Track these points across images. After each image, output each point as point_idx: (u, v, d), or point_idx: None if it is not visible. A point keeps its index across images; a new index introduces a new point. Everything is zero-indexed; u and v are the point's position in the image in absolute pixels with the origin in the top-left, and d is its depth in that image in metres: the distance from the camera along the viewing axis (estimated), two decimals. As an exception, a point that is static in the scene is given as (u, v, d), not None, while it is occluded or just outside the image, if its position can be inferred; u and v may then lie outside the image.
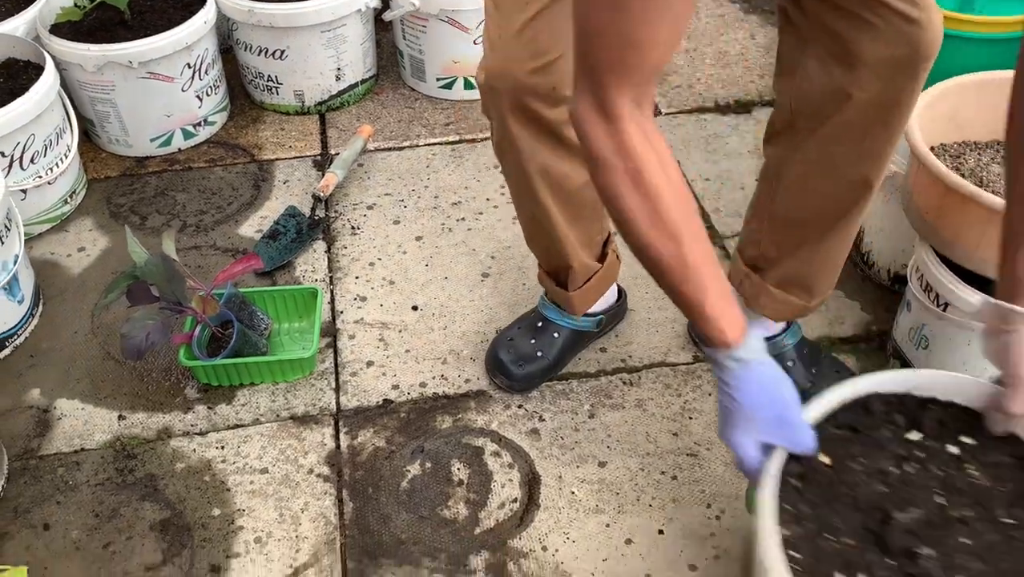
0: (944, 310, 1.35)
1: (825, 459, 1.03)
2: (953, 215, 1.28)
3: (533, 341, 1.55)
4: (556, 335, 1.56)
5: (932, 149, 1.31)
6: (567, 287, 1.49)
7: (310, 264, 1.82)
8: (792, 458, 1.01)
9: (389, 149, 2.11)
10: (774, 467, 0.99)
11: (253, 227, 1.91)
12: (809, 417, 1.04)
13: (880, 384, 1.09)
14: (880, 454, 1.04)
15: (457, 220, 1.91)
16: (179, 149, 2.12)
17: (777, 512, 0.96)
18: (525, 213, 1.41)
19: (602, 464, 1.44)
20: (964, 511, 0.97)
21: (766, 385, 1.00)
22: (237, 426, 1.51)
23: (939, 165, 1.27)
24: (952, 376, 1.10)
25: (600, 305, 1.57)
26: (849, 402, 1.08)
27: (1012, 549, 0.94)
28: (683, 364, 1.59)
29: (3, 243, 1.57)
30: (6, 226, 1.59)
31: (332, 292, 1.76)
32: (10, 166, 1.78)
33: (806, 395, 1.41)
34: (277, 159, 2.11)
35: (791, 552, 0.93)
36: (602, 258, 1.50)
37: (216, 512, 1.38)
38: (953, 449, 1.04)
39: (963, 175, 1.38)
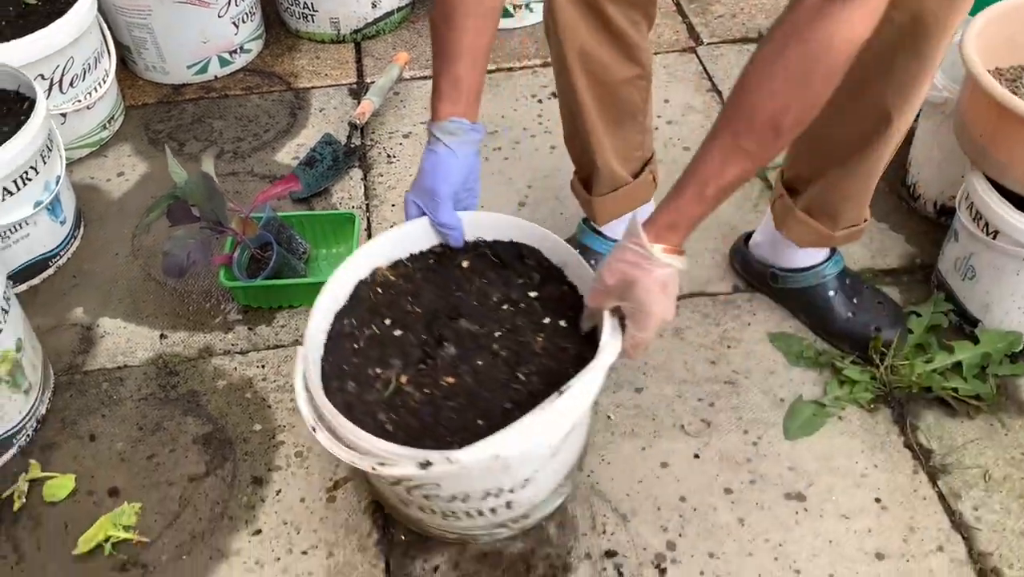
0: (994, 238, 1.33)
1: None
2: (1007, 138, 1.25)
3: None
4: (593, 262, 1.55)
5: (988, 72, 1.27)
6: (591, 191, 1.47)
7: (347, 191, 1.82)
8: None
9: (425, 77, 2.09)
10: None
11: (290, 154, 1.91)
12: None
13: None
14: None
15: (493, 149, 1.89)
16: (215, 77, 2.12)
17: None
18: (564, 107, 1.40)
19: (639, 390, 1.44)
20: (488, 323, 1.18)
21: (440, 164, 1.15)
22: (277, 346, 1.52)
23: (995, 85, 1.24)
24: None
25: None
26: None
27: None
28: (722, 294, 1.58)
29: (45, 163, 1.58)
30: (47, 147, 1.60)
31: (368, 219, 1.76)
32: (49, 89, 1.78)
33: (850, 323, 1.42)
34: (313, 87, 2.09)
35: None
36: (637, 175, 1.48)
37: (257, 427, 1.40)
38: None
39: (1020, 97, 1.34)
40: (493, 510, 1.14)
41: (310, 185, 1.77)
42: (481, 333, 1.17)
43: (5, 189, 1.51)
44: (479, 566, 1.23)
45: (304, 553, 1.24)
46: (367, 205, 1.79)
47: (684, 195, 1.03)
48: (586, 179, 1.48)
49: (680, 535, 1.26)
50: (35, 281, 1.63)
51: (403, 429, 1.07)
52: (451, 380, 1.12)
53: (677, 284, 1.06)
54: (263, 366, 1.49)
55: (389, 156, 1.89)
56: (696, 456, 1.36)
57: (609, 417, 1.41)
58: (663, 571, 1.22)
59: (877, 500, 1.30)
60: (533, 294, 1.22)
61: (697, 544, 1.25)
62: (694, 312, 1.56)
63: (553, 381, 1.08)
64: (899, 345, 1.43)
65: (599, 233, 1.54)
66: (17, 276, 1.60)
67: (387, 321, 1.19)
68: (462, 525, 1.19)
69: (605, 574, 1.22)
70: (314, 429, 1.04)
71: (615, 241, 1.54)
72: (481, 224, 1.27)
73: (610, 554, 1.24)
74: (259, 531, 1.27)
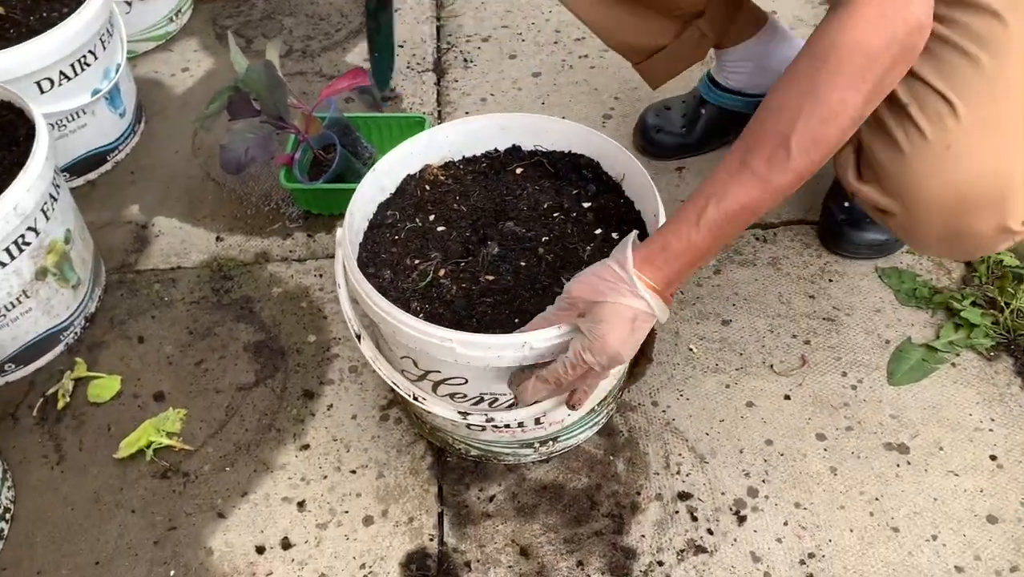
0: None
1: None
2: None
3: (683, 115, 1.52)
4: (702, 111, 1.48)
5: None
6: (632, 58, 1.39)
7: (419, 96, 1.70)
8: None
9: (509, -21, 1.94)
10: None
11: (361, 55, 1.79)
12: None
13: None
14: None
15: (580, 57, 1.74)
16: (288, -27, 2.00)
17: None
18: None
19: (726, 322, 1.31)
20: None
21: None
22: (336, 255, 1.43)
23: None
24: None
25: (766, 83, 1.41)
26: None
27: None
28: (825, 222, 1.42)
29: (105, 49, 1.50)
30: (108, 31, 1.51)
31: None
32: (115, -25, 1.69)
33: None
34: (389, -14, 1.96)
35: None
36: (679, 33, 1.34)
37: (311, 338, 1.31)
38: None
39: None
40: (521, 424, 1.05)
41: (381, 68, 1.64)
42: (527, 236, 1.09)
43: (62, 73, 1.43)
44: (538, 499, 1.12)
45: (353, 472, 1.16)
46: (439, 112, 1.67)
47: (680, 217, 0.88)
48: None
49: (764, 481, 1.14)
50: (92, 176, 1.57)
51: (434, 319, 0.99)
52: (490, 278, 1.05)
53: (647, 330, 0.90)
54: (320, 275, 1.40)
55: (466, 61, 1.76)
56: (787, 397, 1.22)
57: (691, 349, 1.28)
58: (742, 518, 1.10)
59: (992, 457, 1.15)
60: (587, 205, 1.13)
61: (782, 492, 1.13)
62: (794, 240, 1.40)
63: None
64: (1028, 287, 1.26)
65: (715, 84, 1.46)
66: (73, 168, 1.54)
67: (431, 217, 1.13)
68: (485, 438, 1.11)
69: (677, 517, 1.11)
70: (359, 338, 0.95)
71: (728, 92, 1.45)
72: (541, 130, 1.18)
73: (684, 496, 1.13)
74: (307, 446, 1.19)
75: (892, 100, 0.95)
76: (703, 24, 1.33)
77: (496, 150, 1.20)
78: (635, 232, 0.93)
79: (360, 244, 1.10)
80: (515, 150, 1.19)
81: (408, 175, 1.17)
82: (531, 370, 0.94)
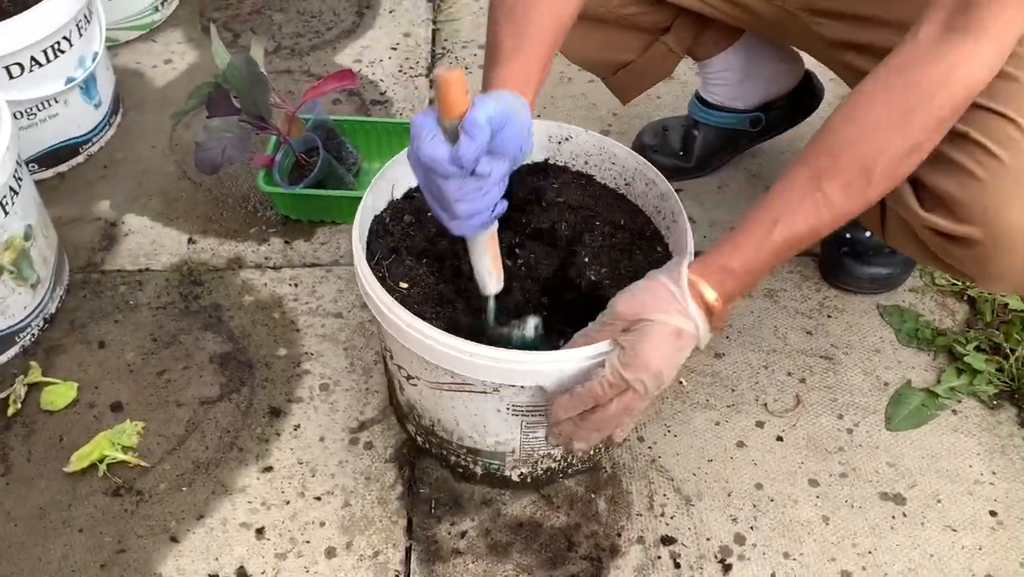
0: None
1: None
2: None
3: (681, 138, 1.47)
4: (696, 133, 1.42)
5: None
6: (598, 72, 1.35)
7: (409, 101, 1.63)
8: None
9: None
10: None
11: (351, 56, 1.73)
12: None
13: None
14: None
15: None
16: (281, -33, 1.94)
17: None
18: None
19: (718, 356, 1.25)
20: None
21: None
22: (314, 265, 1.36)
23: None
24: None
25: (752, 96, 1.38)
26: None
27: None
28: (825, 254, 1.37)
29: (81, 35, 1.43)
30: (86, 17, 1.44)
31: (431, 134, 1.57)
32: (98, -41, 1.62)
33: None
34: (385, -14, 1.90)
35: None
36: (645, 49, 1.29)
37: (282, 352, 1.24)
38: None
39: None
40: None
41: None
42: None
43: (33, 59, 1.36)
44: (513, 537, 1.06)
45: (317, 499, 1.09)
46: (430, 100, 1.60)
47: (746, 236, 0.84)
48: None
49: (752, 528, 1.08)
50: (62, 168, 1.49)
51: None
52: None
53: (688, 353, 0.85)
54: (296, 285, 1.33)
55: (462, 67, 1.70)
56: (779, 438, 1.16)
57: (681, 383, 1.21)
58: (728, 567, 1.04)
59: (992, 513, 1.09)
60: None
61: (771, 540, 1.06)
62: (792, 272, 1.35)
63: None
64: (1035, 334, 1.21)
65: (703, 102, 1.43)
66: (42, 160, 1.46)
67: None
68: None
69: (659, 563, 1.04)
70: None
71: (715, 109, 1.40)
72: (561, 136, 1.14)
73: (667, 541, 1.06)
74: (270, 468, 1.12)
75: None
76: (669, 40, 1.27)
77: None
78: (690, 252, 0.89)
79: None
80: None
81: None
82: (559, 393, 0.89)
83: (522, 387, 0.90)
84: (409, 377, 0.99)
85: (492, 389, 0.92)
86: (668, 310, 0.83)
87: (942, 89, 0.79)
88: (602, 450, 1.11)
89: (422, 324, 0.88)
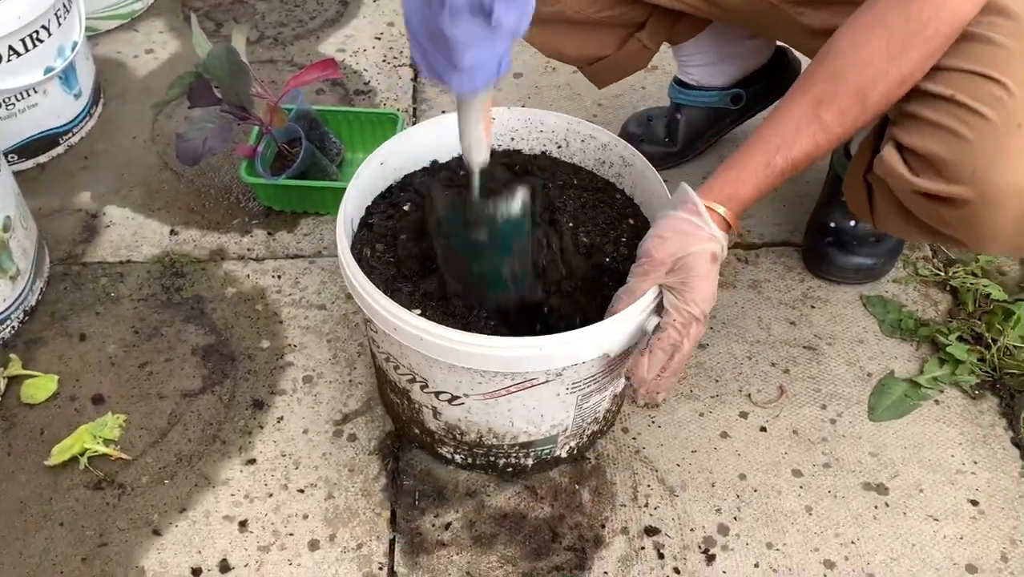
0: None
1: None
2: None
3: (665, 126, 1.47)
4: (679, 117, 1.43)
5: None
6: (574, 64, 1.35)
7: (393, 92, 1.62)
8: None
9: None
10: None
11: (335, 46, 1.71)
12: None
13: None
14: None
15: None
16: (264, -45, 1.92)
17: None
18: None
19: (702, 346, 1.25)
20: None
21: None
22: (297, 256, 1.35)
23: None
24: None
25: (729, 73, 1.39)
26: None
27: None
28: (809, 245, 1.37)
29: (60, 25, 1.41)
30: (65, 6, 1.42)
31: (415, 123, 1.56)
32: (77, -53, 1.60)
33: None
34: (369, -25, 1.89)
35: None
36: (620, 45, 1.29)
37: (265, 344, 1.23)
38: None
39: None
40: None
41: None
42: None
43: (11, 48, 1.34)
44: (498, 528, 1.06)
45: (300, 491, 1.08)
46: (414, 109, 1.59)
47: (749, 162, 0.91)
48: None
49: (735, 518, 1.08)
50: (42, 159, 1.48)
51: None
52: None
53: (720, 265, 0.91)
54: (279, 276, 1.32)
55: None
56: (763, 429, 1.16)
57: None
58: (711, 557, 1.04)
59: (974, 502, 1.10)
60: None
61: (754, 530, 1.07)
62: (776, 263, 1.35)
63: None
64: (1017, 323, 1.21)
65: (682, 84, 1.43)
66: (22, 151, 1.45)
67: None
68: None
69: (643, 554, 1.04)
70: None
71: (694, 89, 1.41)
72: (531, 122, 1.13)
73: (651, 531, 1.06)
74: (253, 461, 1.11)
75: (926, 96, 0.90)
76: (643, 36, 1.27)
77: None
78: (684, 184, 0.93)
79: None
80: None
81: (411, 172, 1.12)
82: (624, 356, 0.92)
83: (584, 362, 0.91)
84: (454, 399, 0.97)
85: (555, 375, 0.93)
86: (699, 239, 0.88)
87: (933, 21, 0.83)
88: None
89: (478, 337, 0.86)
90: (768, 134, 0.90)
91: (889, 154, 0.93)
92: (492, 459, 1.07)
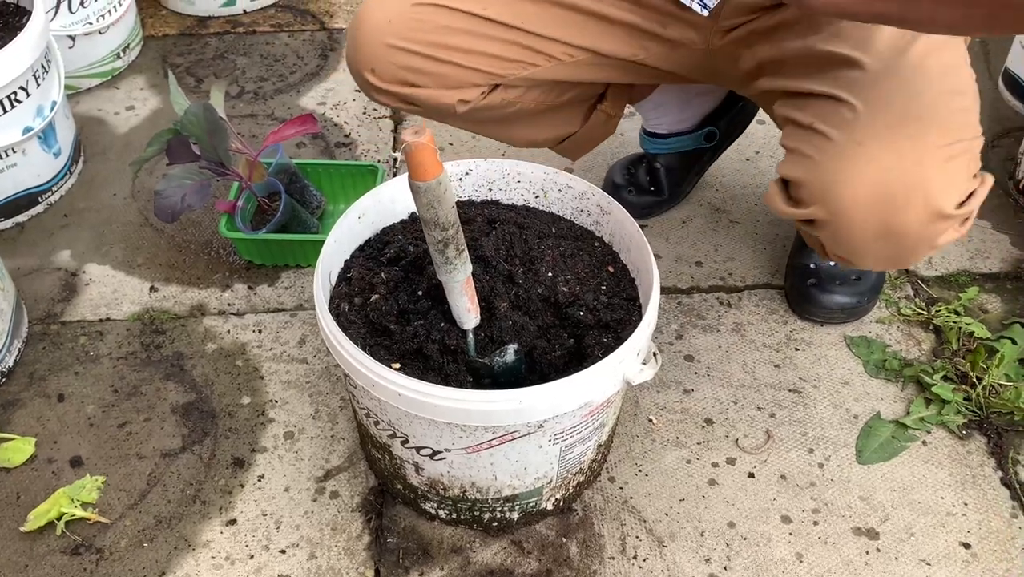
0: None
1: None
2: None
3: (647, 174, 1.47)
4: (657, 166, 1.43)
5: None
6: (543, 146, 1.36)
7: (374, 143, 1.63)
8: None
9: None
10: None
11: (315, 99, 1.72)
12: None
13: None
14: None
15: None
16: (244, 11, 1.94)
17: None
18: None
19: (687, 392, 1.24)
20: None
21: None
22: (278, 310, 1.34)
23: None
24: None
25: (695, 116, 1.40)
26: None
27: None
28: (792, 287, 1.37)
29: (39, 85, 1.41)
30: (44, 66, 1.43)
31: (395, 175, 1.57)
32: (57, 7, 1.61)
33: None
34: (349, 29, 1.90)
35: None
36: (585, 120, 1.30)
37: (246, 400, 1.22)
38: None
39: None
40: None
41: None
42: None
43: (-11, 110, 1.34)
44: (485, 585, 1.04)
45: (282, 552, 1.06)
46: (395, 160, 1.60)
47: None
48: None
49: (725, 568, 1.06)
50: (21, 218, 1.47)
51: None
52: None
53: None
54: (260, 331, 1.31)
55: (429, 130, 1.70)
56: (751, 475, 1.15)
57: (651, 420, 1.20)
58: (702, 609, 1.03)
59: (966, 545, 1.08)
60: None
61: (745, 580, 1.05)
62: (759, 305, 1.34)
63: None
64: (1001, 361, 1.21)
65: (653, 135, 1.44)
66: (1, 210, 1.44)
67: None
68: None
69: (633, 607, 1.03)
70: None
71: (666, 137, 1.42)
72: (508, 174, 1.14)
73: (640, 584, 1.05)
74: (234, 521, 1.09)
75: (797, 126, 0.97)
76: (606, 106, 1.28)
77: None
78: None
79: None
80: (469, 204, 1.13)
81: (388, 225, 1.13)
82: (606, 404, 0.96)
83: (566, 413, 0.91)
84: (435, 453, 0.96)
85: (537, 427, 0.92)
86: None
87: None
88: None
89: (457, 392, 0.86)
90: None
91: (771, 187, 1.00)
92: (477, 513, 1.05)
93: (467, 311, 0.95)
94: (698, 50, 1.11)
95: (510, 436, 0.92)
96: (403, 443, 0.97)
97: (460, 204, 1.13)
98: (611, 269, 1.06)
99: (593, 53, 1.11)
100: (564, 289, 1.01)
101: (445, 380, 0.93)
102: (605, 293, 1.03)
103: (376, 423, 0.98)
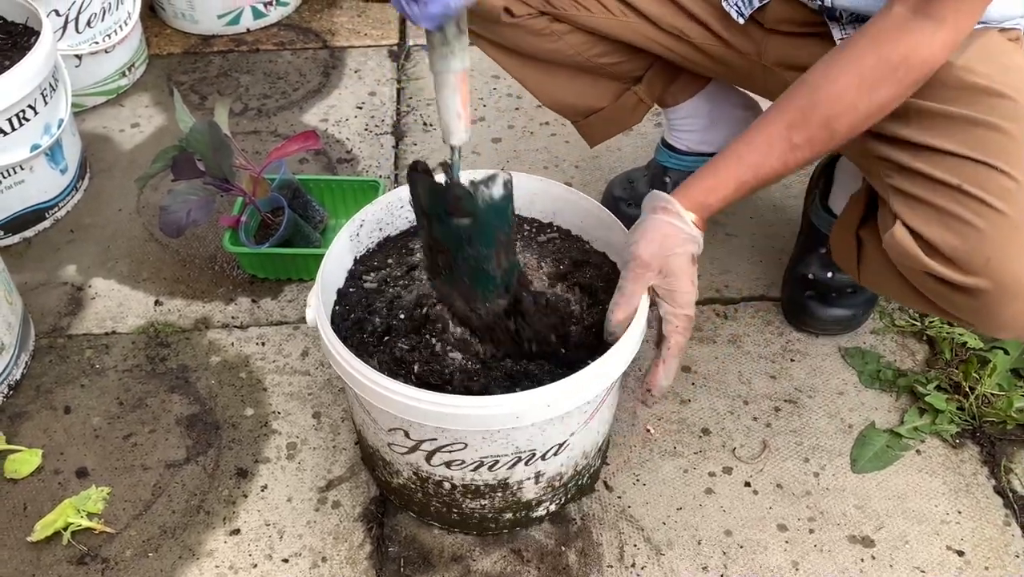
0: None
1: None
2: None
3: (650, 187, 1.42)
4: (667, 180, 1.45)
5: None
6: (568, 116, 1.39)
7: (375, 159, 1.65)
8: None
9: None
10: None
11: (318, 116, 1.75)
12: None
13: None
14: None
15: (541, 124, 1.71)
16: (247, 29, 1.97)
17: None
18: None
19: (684, 402, 1.26)
20: None
21: None
22: (281, 323, 1.36)
23: None
24: None
25: (718, 140, 1.41)
26: None
27: None
28: (787, 299, 1.39)
29: (47, 104, 1.44)
30: (51, 85, 1.45)
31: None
32: (64, 27, 1.64)
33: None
34: (351, 46, 1.93)
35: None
36: (616, 97, 1.33)
37: (249, 412, 1.24)
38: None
39: None
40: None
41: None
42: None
43: (-2, 128, 1.37)
44: (485, 593, 1.05)
45: (285, 561, 1.08)
46: (396, 176, 1.62)
47: (722, 175, 0.96)
48: None
49: (722, 576, 1.08)
50: (28, 233, 1.49)
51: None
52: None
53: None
54: (263, 344, 1.33)
55: (425, 124, 1.72)
56: (747, 484, 1.17)
57: (649, 431, 1.22)
58: (699, 616, 1.04)
59: (959, 553, 1.10)
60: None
61: (742, 588, 1.07)
62: (754, 318, 1.36)
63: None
64: (993, 371, 1.22)
65: (671, 149, 1.44)
66: (8, 226, 1.47)
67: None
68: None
69: (631, 615, 1.04)
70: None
71: (685, 155, 1.44)
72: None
73: (638, 591, 1.06)
74: (237, 531, 1.11)
75: (931, 181, 0.92)
76: (641, 90, 1.31)
77: None
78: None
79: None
80: None
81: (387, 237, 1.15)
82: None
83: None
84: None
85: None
86: (680, 240, 0.94)
87: (904, 64, 0.88)
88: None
89: (456, 399, 0.89)
90: (742, 151, 0.95)
91: (901, 233, 0.94)
92: (477, 520, 1.07)
93: (458, 117, 0.85)
94: (753, 62, 1.15)
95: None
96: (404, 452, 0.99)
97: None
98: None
99: (645, 19, 1.16)
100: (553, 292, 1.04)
101: (446, 382, 0.95)
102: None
103: (376, 432, 1.00)
